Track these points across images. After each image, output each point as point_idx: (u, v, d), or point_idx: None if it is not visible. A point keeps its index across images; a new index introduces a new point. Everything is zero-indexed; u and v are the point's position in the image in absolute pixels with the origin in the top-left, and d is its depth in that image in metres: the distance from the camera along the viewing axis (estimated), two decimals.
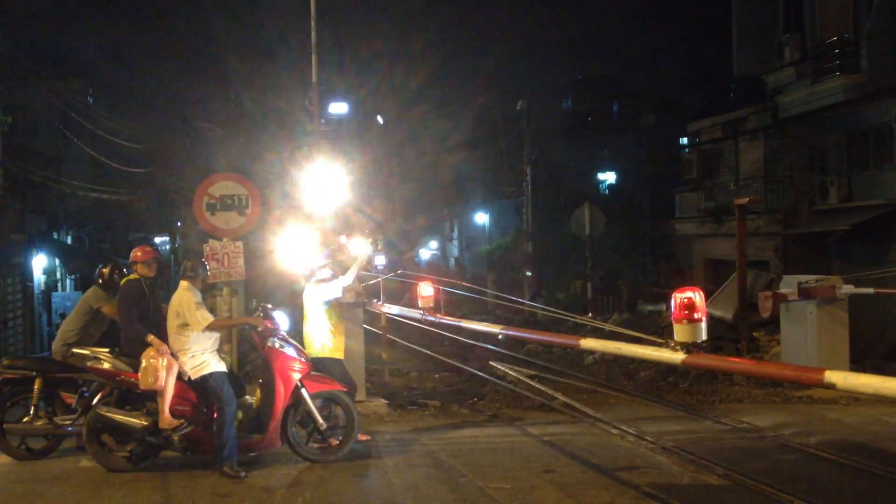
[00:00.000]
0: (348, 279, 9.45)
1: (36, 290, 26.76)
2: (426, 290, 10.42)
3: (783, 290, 13.05)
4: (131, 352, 8.11)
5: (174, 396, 7.93)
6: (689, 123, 28.24)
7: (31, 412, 8.67)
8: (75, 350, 8.66)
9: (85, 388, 8.75)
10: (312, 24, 12.98)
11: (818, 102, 19.83)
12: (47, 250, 28.36)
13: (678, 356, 5.68)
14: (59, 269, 30.46)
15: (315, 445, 8.43)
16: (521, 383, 13.46)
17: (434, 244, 46.34)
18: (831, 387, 4.57)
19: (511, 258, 32.71)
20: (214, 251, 10.75)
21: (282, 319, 8.69)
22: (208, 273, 8.91)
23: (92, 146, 27.43)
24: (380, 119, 28.83)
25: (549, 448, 9.11)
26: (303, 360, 8.44)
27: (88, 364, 8.26)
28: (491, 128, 34.04)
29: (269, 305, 8.76)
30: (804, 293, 12.36)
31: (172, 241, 44.63)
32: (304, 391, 8.26)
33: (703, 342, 5.69)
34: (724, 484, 7.63)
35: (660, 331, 13.56)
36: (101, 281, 9.29)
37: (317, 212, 14.09)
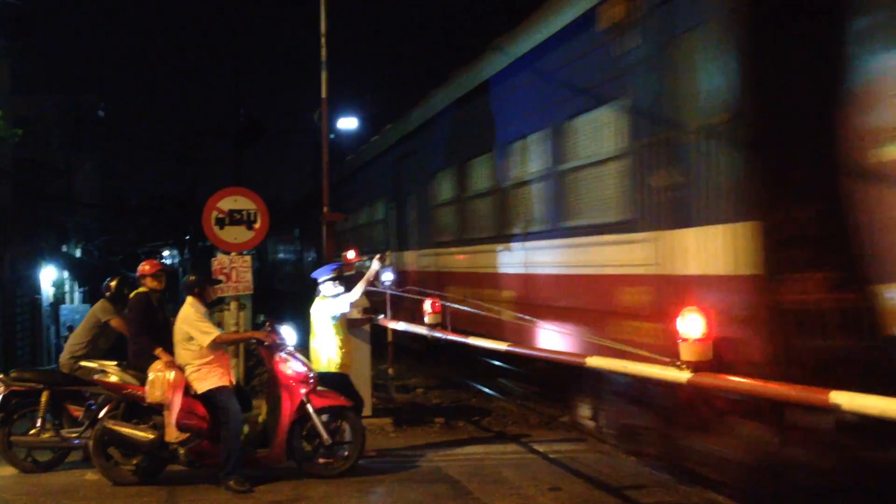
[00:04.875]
0: (356, 295, 9.48)
1: (44, 303, 26.83)
2: (430, 306, 10.43)
3: None
4: (139, 365, 8.15)
5: (181, 410, 7.95)
6: None
7: (38, 425, 8.71)
8: (83, 363, 8.72)
9: (92, 401, 8.79)
10: (322, 40, 13.03)
11: None
12: (56, 263, 28.46)
13: (684, 375, 5.67)
14: (67, 281, 30.55)
15: (321, 461, 8.43)
16: (527, 400, 13.43)
17: None
18: (836, 408, 4.55)
19: None
20: (222, 265, 10.82)
21: (289, 334, 8.72)
22: (215, 287, 8.95)
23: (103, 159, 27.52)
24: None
25: (556, 466, 9.08)
26: (309, 375, 8.45)
27: (96, 377, 8.30)
28: None
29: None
30: None
31: (181, 254, 44.84)
32: (310, 406, 8.27)
33: (709, 361, 5.68)
34: None
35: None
36: (109, 294, 9.35)
37: None
